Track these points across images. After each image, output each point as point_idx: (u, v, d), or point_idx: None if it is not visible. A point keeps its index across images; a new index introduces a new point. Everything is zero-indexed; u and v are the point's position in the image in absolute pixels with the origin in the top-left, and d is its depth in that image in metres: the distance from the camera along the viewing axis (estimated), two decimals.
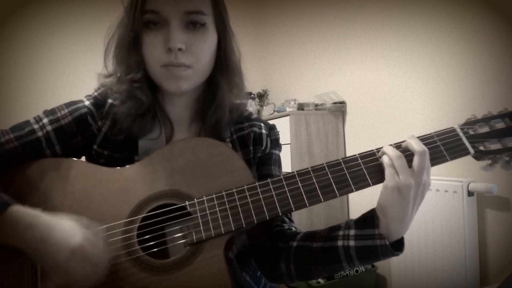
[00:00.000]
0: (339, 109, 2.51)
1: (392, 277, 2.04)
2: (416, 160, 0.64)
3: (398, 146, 0.69)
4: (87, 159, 0.78)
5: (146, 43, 0.71)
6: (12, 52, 2.70)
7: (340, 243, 0.69)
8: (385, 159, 0.66)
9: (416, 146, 0.66)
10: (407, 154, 0.67)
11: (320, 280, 2.09)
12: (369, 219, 0.68)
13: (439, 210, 1.75)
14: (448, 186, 1.73)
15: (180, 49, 0.69)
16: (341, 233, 0.70)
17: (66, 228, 0.60)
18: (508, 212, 1.62)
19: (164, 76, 0.72)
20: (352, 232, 0.68)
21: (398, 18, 2.12)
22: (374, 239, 0.65)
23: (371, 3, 2.29)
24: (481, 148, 0.70)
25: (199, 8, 0.71)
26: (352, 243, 0.67)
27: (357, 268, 2.11)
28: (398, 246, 0.67)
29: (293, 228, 0.82)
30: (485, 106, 1.68)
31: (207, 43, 0.74)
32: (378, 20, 2.25)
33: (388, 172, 0.65)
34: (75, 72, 2.80)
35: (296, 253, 0.74)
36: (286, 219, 0.84)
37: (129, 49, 0.73)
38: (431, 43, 1.94)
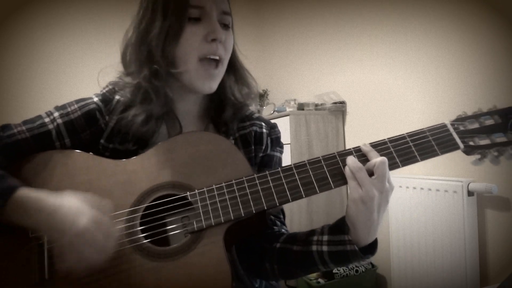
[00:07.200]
0: (339, 109, 2.51)
1: (392, 277, 2.04)
2: (376, 171, 0.66)
3: (357, 151, 0.71)
4: (94, 153, 0.79)
5: (186, 34, 0.74)
6: (12, 52, 2.70)
7: (314, 248, 0.72)
8: (346, 171, 0.68)
9: (374, 156, 0.68)
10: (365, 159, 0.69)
11: (320, 280, 2.09)
12: (340, 226, 0.71)
13: (439, 210, 1.75)
14: (448, 186, 1.73)
15: (220, 41, 0.75)
16: (315, 238, 0.73)
17: (72, 211, 0.61)
18: (508, 212, 1.62)
19: (199, 73, 0.75)
20: (325, 237, 0.72)
21: (398, 18, 2.12)
22: (345, 244, 0.68)
23: (371, 3, 2.29)
24: (471, 143, 0.73)
25: (229, 10, 0.78)
26: (325, 248, 0.71)
27: (357, 268, 2.11)
28: (371, 249, 0.70)
29: (283, 231, 0.85)
30: (484, 105, 1.67)
31: (232, 43, 0.80)
32: (378, 20, 2.25)
33: (351, 184, 0.67)
34: (75, 72, 2.80)
35: (279, 255, 0.77)
36: (279, 223, 0.87)
37: (166, 42, 0.74)
38: (431, 42, 1.94)
